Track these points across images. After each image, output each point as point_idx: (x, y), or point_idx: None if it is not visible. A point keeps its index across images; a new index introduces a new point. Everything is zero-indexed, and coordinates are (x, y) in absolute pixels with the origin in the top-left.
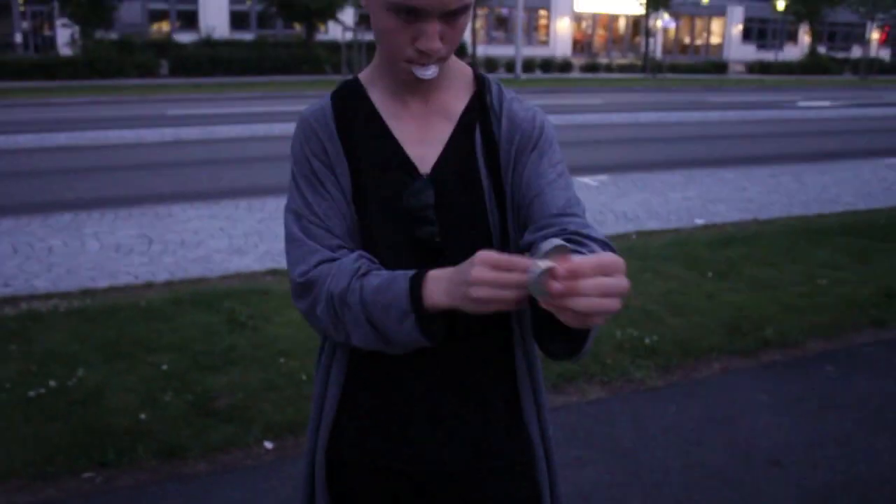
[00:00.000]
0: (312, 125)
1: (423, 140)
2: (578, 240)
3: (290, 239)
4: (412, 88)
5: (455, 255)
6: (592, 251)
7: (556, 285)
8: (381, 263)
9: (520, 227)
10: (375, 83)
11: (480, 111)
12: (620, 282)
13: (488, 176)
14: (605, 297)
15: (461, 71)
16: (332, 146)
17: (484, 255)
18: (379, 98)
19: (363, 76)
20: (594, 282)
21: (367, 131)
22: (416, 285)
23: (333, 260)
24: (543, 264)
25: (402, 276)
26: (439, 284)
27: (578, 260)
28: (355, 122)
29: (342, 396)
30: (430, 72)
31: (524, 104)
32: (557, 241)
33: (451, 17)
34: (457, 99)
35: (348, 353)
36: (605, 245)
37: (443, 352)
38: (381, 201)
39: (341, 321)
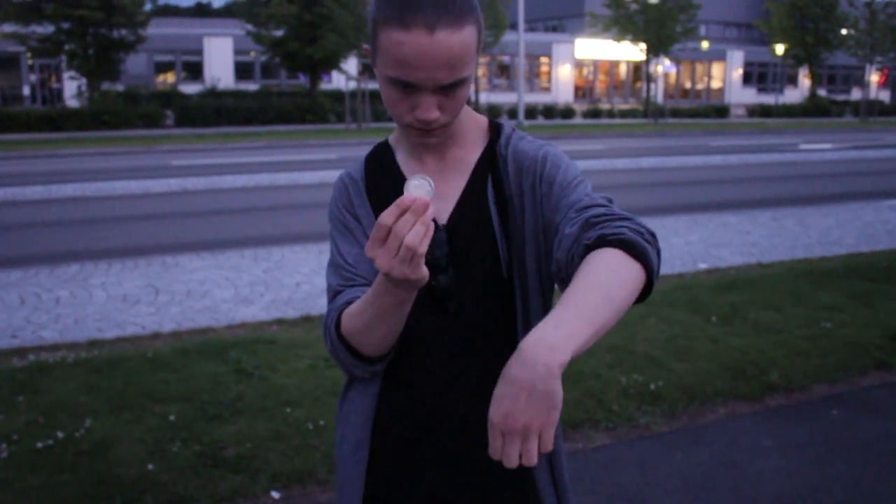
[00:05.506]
0: (346, 182)
1: (439, 196)
2: (599, 221)
3: (327, 287)
4: (427, 147)
5: (469, 301)
6: (618, 230)
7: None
8: None
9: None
10: (399, 144)
11: (491, 160)
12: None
13: (500, 223)
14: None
15: (476, 124)
16: (359, 201)
17: None
18: (402, 158)
19: (391, 138)
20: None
21: (391, 189)
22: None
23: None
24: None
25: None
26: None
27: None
28: (382, 181)
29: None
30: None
31: (533, 143)
32: (417, 180)
33: (448, 89)
34: (471, 152)
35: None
36: (628, 220)
37: (449, 394)
38: None
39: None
